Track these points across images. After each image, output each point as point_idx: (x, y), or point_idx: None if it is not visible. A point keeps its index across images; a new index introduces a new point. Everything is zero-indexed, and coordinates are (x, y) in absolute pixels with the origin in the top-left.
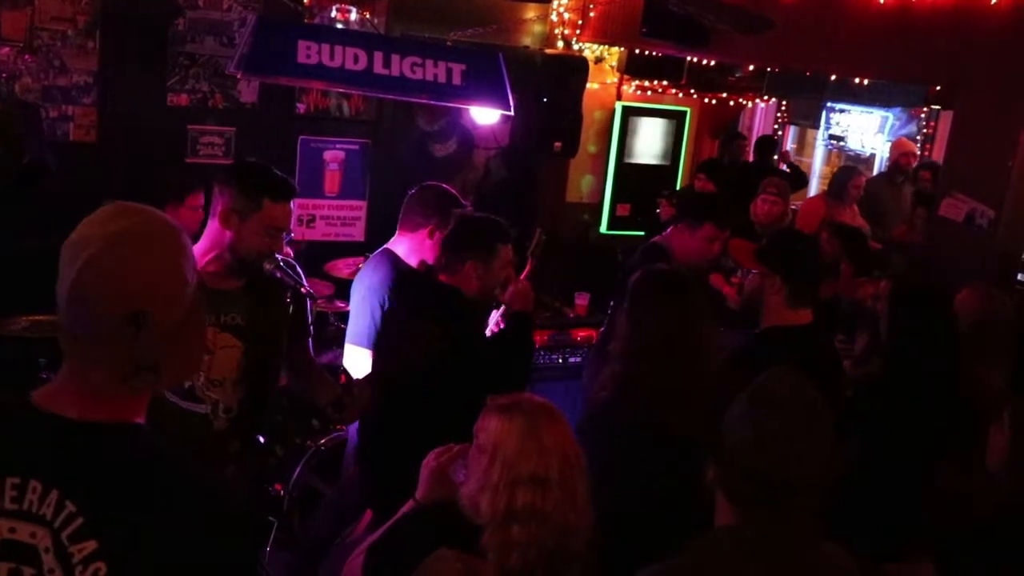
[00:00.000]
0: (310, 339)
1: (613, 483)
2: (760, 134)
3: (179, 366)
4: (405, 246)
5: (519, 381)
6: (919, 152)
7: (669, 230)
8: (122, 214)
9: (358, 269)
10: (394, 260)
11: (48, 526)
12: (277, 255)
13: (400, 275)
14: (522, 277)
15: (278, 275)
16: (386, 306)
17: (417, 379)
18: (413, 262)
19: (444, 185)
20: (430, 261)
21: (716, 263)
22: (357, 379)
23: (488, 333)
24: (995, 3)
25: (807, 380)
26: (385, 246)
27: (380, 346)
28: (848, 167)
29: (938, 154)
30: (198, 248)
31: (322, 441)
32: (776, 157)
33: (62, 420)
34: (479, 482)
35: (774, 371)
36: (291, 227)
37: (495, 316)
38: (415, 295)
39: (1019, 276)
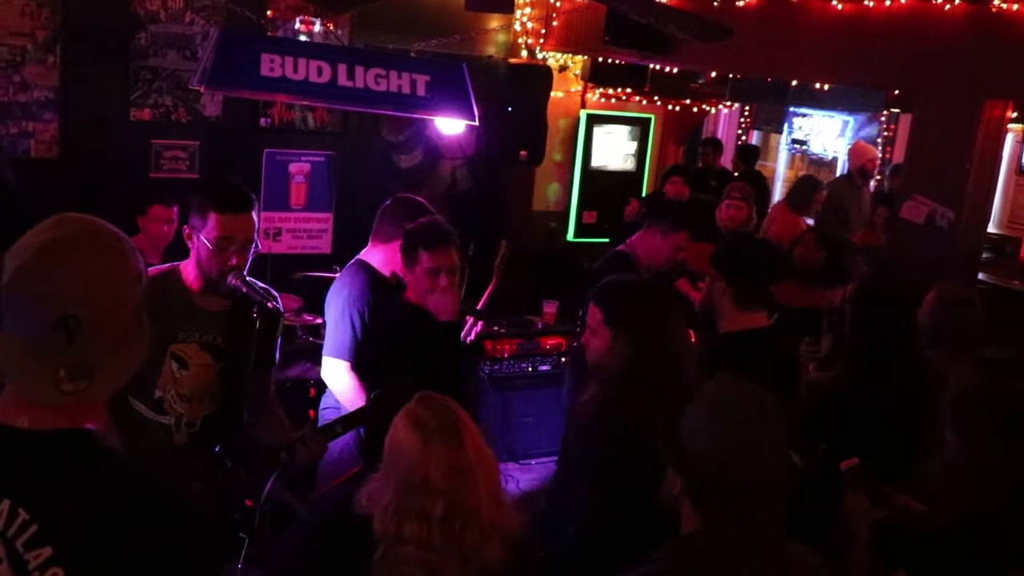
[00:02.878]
0: (271, 373)
1: (603, 498)
2: (723, 139)
3: (115, 375)
4: (379, 257)
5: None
6: (880, 155)
7: (636, 235)
8: (59, 224)
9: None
10: (370, 271)
11: (1, 536)
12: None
13: (377, 285)
14: (488, 291)
15: (244, 290)
16: (366, 316)
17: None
18: (387, 272)
19: (417, 197)
20: (401, 273)
21: (681, 268)
22: (312, 430)
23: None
24: (948, 10)
25: (754, 383)
26: (359, 257)
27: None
28: (810, 178)
29: (898, 156)
30: (187, 266)
31: None
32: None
33: (12, 430)
34: (375, 494)
35: (721, 377)
36: (251, 238)
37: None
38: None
39: (980, 276)
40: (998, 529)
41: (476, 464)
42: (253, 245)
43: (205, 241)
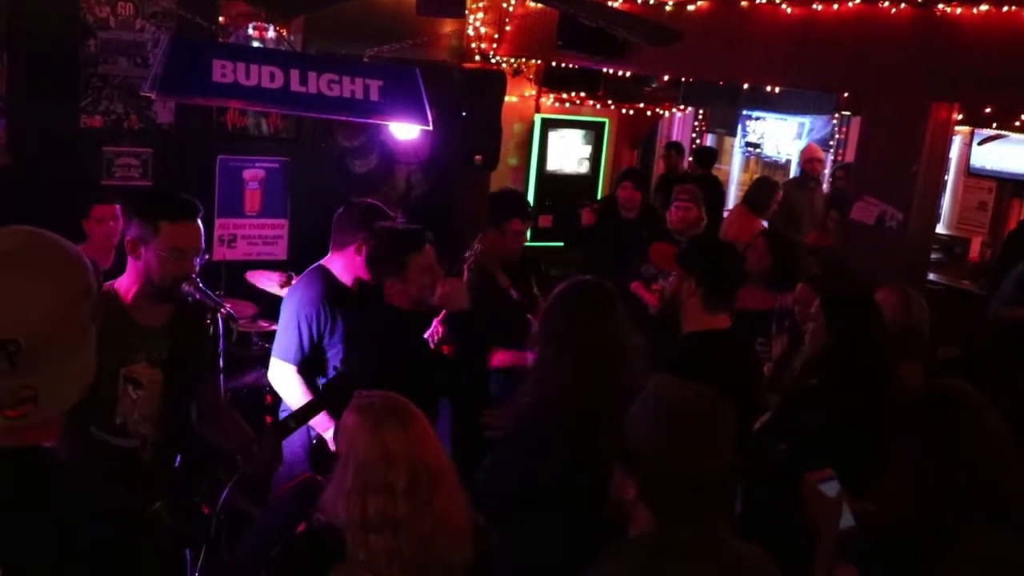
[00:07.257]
0: (220, 377)
1: (537, 496)
2: (679, 142)
3: (63, 395)
4: (339, 264)
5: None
6: (832, 157)
7: (476, 246)
8: None
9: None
10: (327, 277)
11: None
12: (195, 276)
13: (332, 292)
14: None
15: (197, 296)
16: (315, 324)
17: None
18: (348, 279)
19: (369, 200)
20: (364, 277)
21: (635, 269)
22: (264, 435)
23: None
24: (894, 13)
25: (717, 382)
26: (320, 263)
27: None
28: (766, 179)
29: (850, 158)
30: (122, 283)
31: None
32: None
33: None
34: (336, 486)
35: (659, 378)
36: (201, 247)
37: (434, 325)
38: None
39: (930, 276)
40: (936, 532)
41: (431, 436)
42: (201, 253)
43: (157, 252)
